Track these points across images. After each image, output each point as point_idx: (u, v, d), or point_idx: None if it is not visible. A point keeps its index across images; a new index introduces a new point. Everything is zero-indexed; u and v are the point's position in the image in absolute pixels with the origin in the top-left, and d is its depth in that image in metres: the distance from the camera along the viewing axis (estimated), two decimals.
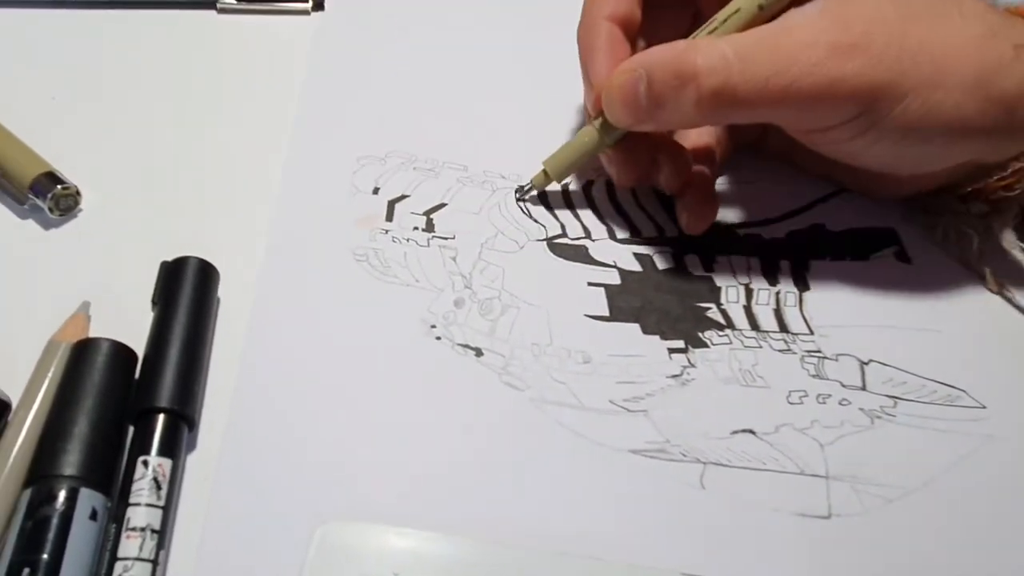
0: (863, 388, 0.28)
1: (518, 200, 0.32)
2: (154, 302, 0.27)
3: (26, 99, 0.34)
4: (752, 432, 0.26)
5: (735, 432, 0.26)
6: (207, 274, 0.27)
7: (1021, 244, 0.31)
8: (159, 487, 0.22)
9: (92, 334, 0.26)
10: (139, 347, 0.25)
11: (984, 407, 0.27)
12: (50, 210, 0.30)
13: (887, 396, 0.27)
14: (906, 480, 0.25)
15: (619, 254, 0.31)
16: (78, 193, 0.30)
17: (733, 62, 0.26)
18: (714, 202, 0.32)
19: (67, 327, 0.26)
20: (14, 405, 0.24)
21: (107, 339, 0.25)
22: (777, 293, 0.30)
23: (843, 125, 0.27)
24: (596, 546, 0.23)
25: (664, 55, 0.27)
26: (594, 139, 0.30)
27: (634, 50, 0.31)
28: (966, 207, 0.31)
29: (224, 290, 0.28)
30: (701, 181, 0.32)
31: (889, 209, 0.33)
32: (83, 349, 0.24)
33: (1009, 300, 0.30)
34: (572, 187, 0.33)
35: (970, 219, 0.31)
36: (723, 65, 0.26)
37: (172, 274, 0.27)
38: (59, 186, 0.29)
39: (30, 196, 0.30)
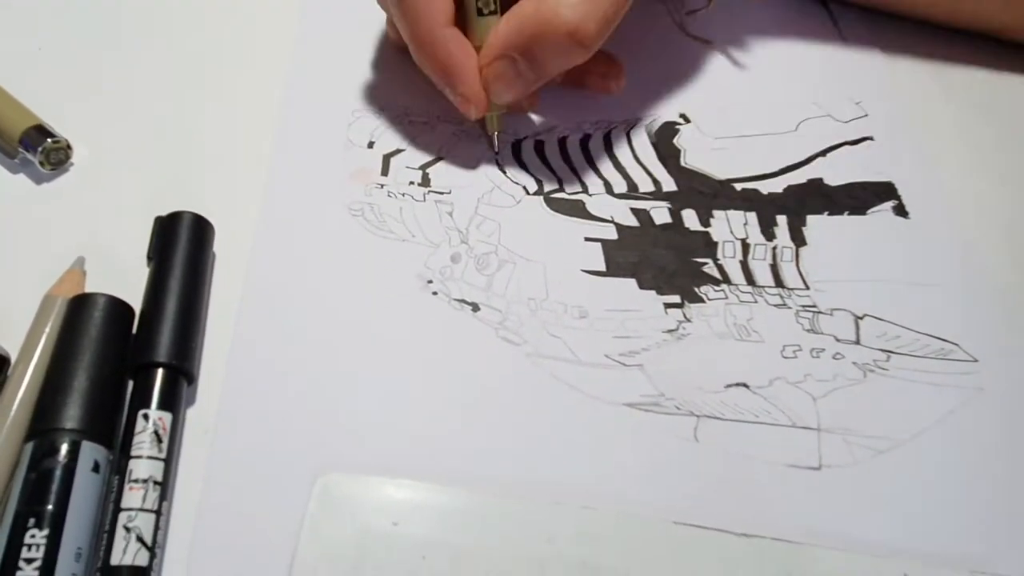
0: (857, 342, 0.28)
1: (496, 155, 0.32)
2: (149, 257, 0.27)
3: (13, 51, 0.34)
4: (746, 386, 0.26)
5: (729, 386, 0.26)
6: (202, 229, 0.27)
7: None
8: (160, 440, 0.22)
9: (87, 289, 0.26)
10: (134, 302, 0.25)
11: (976, 360, 0.28)
12: (41, 164, 0.29)
13: (880, 350, 0.28)
14: (897, 432, 0.26)
15: (616, 209, 0.31)
16: (69, 147, 0.30)
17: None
18: (609, 54, 0.33)
19: (63, 282, 0.26)
20: (12, 360, 0.24)
21: (104, 294, 0.24)
22: (774, 248, 0.30)
23: None
24: (591, 497, 0.23)
25: (526, 27, 0.28)
26: (497, 116, 0.31)
27: None
28: None
29: (219, 245, 0.28)
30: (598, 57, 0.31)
31: (888, 163, 0.33)
32: (80, 304, 0.24)
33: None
34: (569, 141, 0.33)
35: None
36: (586, 6, 0.27)
37: (167, 229, 0.27)
38: (49, 139, 0.29)
39: (20, 150, 0.29)
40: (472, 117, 0.30)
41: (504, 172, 0.31)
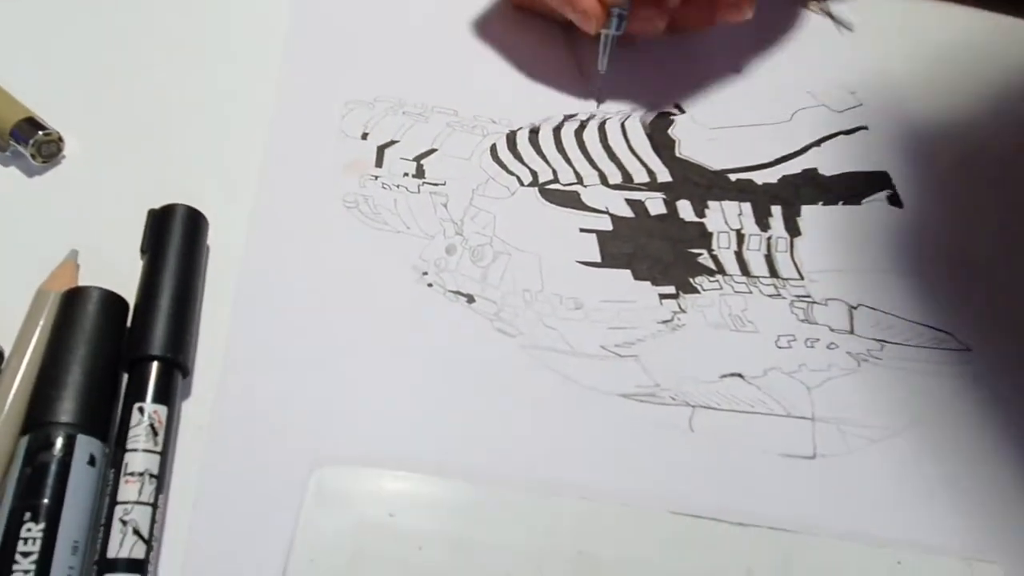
0: (851, 332, 0.28)
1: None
2: (143, 250, 0.27)
3: (3, 44, 0.33)
4: (741, 376, 0.27)
5: (724, 376, 0.26)
6: (196, 222, 0.27)
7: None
8: (155, 433, 0.22)
9: (81, 283, 0.25)
10: (128, 296, 0.25)
11: (969, 349, 0.28)
12: (32, 157, 0.29)
13: (874, 340, 0.28)
14: (891, 421, 0.26)
15: (611, 200, 0.31)
16: (61, 140, 0.29)
17: None
18: None
19: (56, 276, 0.26)
20: (6, 354, 0.24)
21: (97, 287, 0.24)
22: (768, 238, 0.30)
23: None
24: (587, 488, 0.24)
25: None
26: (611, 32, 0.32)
27: None
28: None
29: (213, 238, 0.28)
30: None
31: (883, 153, 0.33)
32: (74, 298, 0.24)
33: (830, 15, 0.33)
34: (564, 132, 0.33)
35: None
36: None
37: (160, 222, 0.27)
38: (41, 132, 0.29)
39: (11, 143, 0.29)
40: (591, 30, 0.31)
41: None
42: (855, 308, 0.29)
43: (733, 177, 0.32)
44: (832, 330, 0.28)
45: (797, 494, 0.24)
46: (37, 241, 0.27)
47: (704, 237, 0.30)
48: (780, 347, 0.27)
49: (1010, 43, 0.39)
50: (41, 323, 0.24)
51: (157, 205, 0.27)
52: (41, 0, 0.35)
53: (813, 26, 0.39)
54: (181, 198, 0.27)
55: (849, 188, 0.32)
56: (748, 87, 0.35)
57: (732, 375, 0.27)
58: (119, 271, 0.26)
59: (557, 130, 0.33)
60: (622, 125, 0.33)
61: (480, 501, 0.23)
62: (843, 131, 0.34)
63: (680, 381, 0.26)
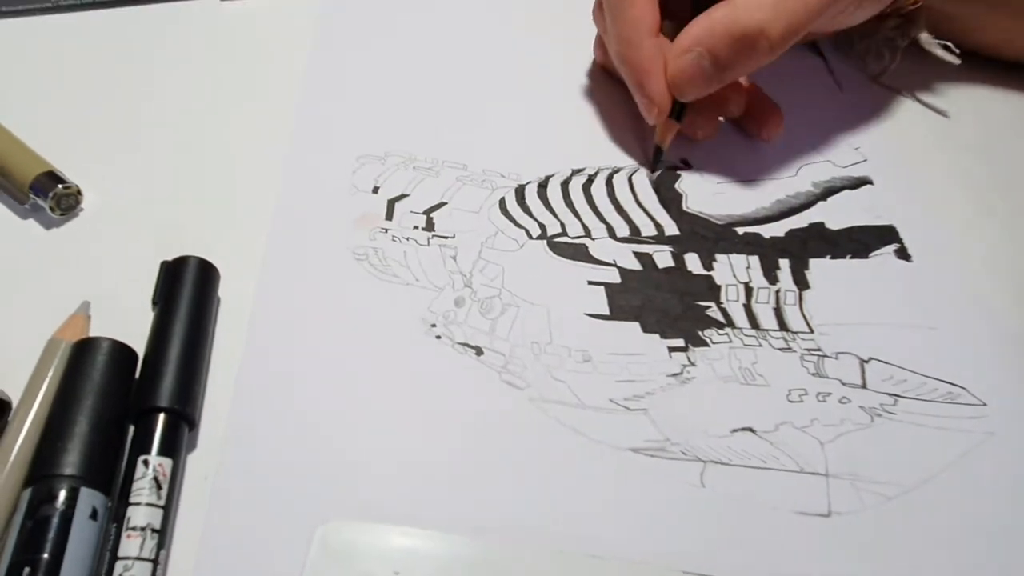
0: (863, 386, 0.28)
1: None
2: (154, 302, 0.27)
3: (26, 99, 0.34)
4: (752, 430, 0.26)
5: (735, 430, 0.26)
6: (207, 274, 0.27)
7: (938, 41, 0.36)
8: (159, 486, 0.22)
9: (92, 334, 0.26)
10: (139, 347, 0.25)
11: (984, 404, 0.27)
12: (51, 209, 0.30)
13: (887, 394, 0.27)
14: (906, 478, 0.25)
15: (619, 253, 0.31)
16: (79, 192, 0.30)
17: (781, 2, 0.29)
18: (774, 104, 0.35)
19: (67, 326, 0.26)
20: (14, 404, 0.24)
21: (107, 338, 0.25)
22: (777, 291, 0.30)
23: (851, 7, 0.32)
24: (596, 544, 0.23)
25: (716, 25, 0.30)
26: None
27: None
28: (881, 24, 0.37)
29: (224, 290, 0.28)
30: (753, 91, 0.35)
31: (890, 206, 0.33)
32: (83, 348, 0.24)
33: (926, 104, 0.36)
34: (572, 185, 0.33)
35: (885, 36, 0.37)
36: (774, 9, 0.29)
37: (172, 274, 0.27)
38: (60, 185, 0.29)
39: (31, 196, 0.30)
40: (651, 121, 0.33)
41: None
42: (867, 362, 0.28)
43: (740, 231, 0.32)
44: (844, 384, 0.28)
45: (811, 553, 0.24)
46: (52, 291, 0.28)
47: (712, 290, 0.30)
48: (791, 401, 0.27)
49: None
50: (51, 373, 0.24)
51: (170, 257, 0.28)
52: (61, 55, 0.36)
53: (817, 83, 0.39)
54: (194, 250, 0.28)
55: (856, 242, 0.32)
56: (753, 143, 0.36)
57: (743, 429, 0.26)
58: (132, 322, 0.26)
59: (565, 184, 0.33)
60: (629, 179, 0.34)
61: (487, 558, 0.22)
62: (848, 186, 0.34)
63: (690, 435, 0.26)
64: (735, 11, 0.30)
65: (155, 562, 0.21)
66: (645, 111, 0.33)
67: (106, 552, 0.21)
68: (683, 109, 0.33)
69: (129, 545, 0.21)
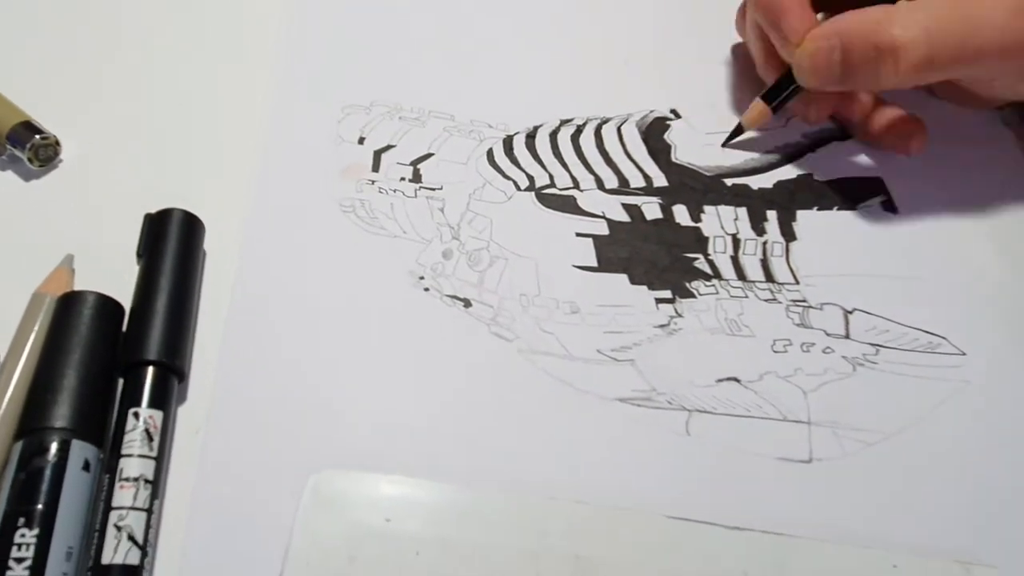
0: (847, 336, 0.28)
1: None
2: (139, 255, 0.27)
3: (0, 47, 0.33)
4: (737, 380, 0.27)
5: (720, 380, 0.27)
6: (192, 226, 0.27)
7: None
8: (151, 438, 0.22)
9: (76, 287, 0.25)
10: (124, 300, 0.25)
11: (964, 354, 0.28)
12: (30, 161, 0.29)
13: (870, 344, 0.28)
14: (885, 425, 0.26)
15: (607, 204, 0.31)
16: (58, 143, 0.29)
17: (933, 33, 0.27)
18: (916, 117, 0.33)
19: (51, 280, 0.26)
20: (1, 359, 0.24)
21: (93, 292, 0.24)
22: (764, 243, 0.30)
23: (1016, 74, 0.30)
24: (583, 491, 0.24)
25: (861, 26, 0.29)
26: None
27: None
28: None
29: (210, 242, 0.28)
30: (891, 109, 0.33)
31: (878, 158, 0.33)
32: (69, 302, 0.24)
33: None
34: (560, 137, 0.33)
35: None
36: (924, 37, 0.27)
37: (157, 226, 0.27)
38: (38, 136, 0.29)
39: (8, 147, 0.29)
40: (787, 58, 0.31)
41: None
42: (851, 313, 0.29)
43: (729, 182, 0.32)
44: (828, 334, 0.28)
45: (793, 498, 0.24)
46: (33, 245, 0.27)
47: (700, 242, 0.30)
48: (776, 351, 0.27)
49: None
50: (36, 327, 0.24)
51: (153, 209, 0.27)
52: (38, 4, 0.35)
53: None
54: (177, 202, 0.27)
55: (844, 193, 0.32)
56: (743, 93, 0.35)
57: (728, 379, 0.27)
58: (116, 275, 0.26)
59: (554, 135, 0.33)
60: (618, 130, 0.33)
61: (477, 506, 0.23)
62: (837, 137, 0.34)
63: (676, 385, 0.26)
64: (886, 19, 0.28)
65: (149, 511, 0.21)
66: (780, 46, 0.31)
67: (100, 502, 0.21)
68: (784, 100, 0.32)
69: (123, 495, 0.21)
